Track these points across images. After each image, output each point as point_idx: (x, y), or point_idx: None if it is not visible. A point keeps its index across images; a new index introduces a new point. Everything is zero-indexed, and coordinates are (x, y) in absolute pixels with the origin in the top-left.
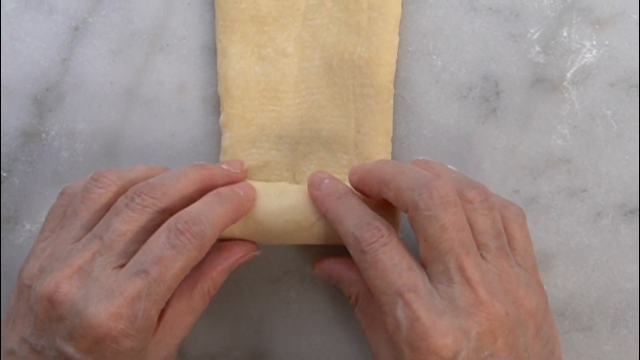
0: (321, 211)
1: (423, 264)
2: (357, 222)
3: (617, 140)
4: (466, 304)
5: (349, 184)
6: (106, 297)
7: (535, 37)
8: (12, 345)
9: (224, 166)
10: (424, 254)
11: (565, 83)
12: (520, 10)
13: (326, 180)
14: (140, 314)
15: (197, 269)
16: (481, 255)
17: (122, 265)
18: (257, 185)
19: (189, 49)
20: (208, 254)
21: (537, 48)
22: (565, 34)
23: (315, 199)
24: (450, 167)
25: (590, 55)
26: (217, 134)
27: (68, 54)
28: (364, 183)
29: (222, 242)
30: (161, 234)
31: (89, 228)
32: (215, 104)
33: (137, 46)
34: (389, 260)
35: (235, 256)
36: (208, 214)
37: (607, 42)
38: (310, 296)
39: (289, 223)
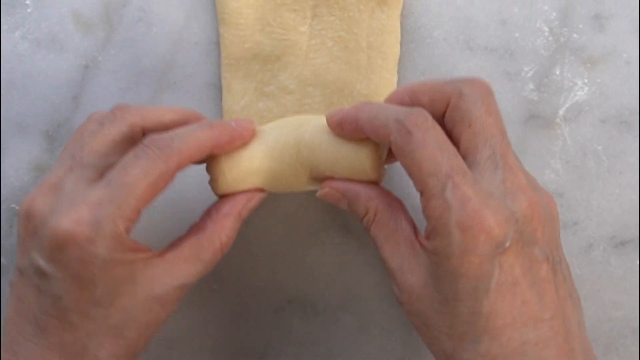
0: (350, 124)
1: (463, 156)
2: (398, 110)
3: (608, 175)
4: (511, 188)
5: None
6: (70, 205)
7: (529, 75)
8: (11, 276)
9: (232, 123)
10: (466, 143)
11: (557, 119)
12: (514, 49)
13: (344, 108)
14: (104, 220)
15: (206, 216)
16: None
17: (95, 180)
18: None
19: (195, 86)
20: (216, 204)
21: (531, 86)
22: (558, 72)
23: (341, 119)
24: None
25: (582, 92)
26: None
27: (79, 91)
28: (391, 101)
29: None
30: (130, 151)
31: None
32: None
33: (145, 84)
34: (436, 143)
35: (242, 200)
36: (182, 133)
37: (598, 80)
38: (312, 325)
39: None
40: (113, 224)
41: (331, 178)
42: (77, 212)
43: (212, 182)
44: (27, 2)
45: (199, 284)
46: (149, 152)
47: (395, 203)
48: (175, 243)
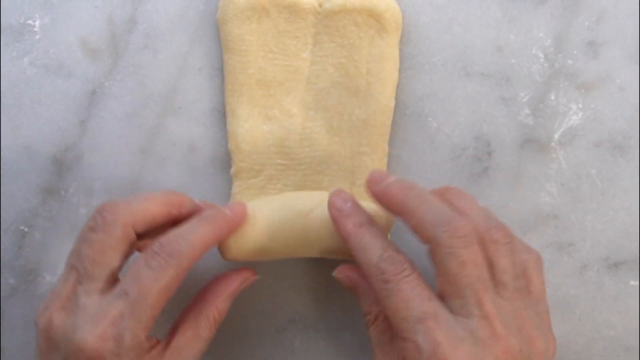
0: (342, 233)
1: (441, 298)
2: (381, 253)
3: (602, 198)
4: (484, 336)
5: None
6: (91, 321)
7: (525, 100)
8: None
9: (226, 211)
10: (443, 288)
11: (552, 143)
12: (510, 75)
13: (349, 204)
14: (126, 334)
15: (200, 299)
16: (499, 292)
17: (105, 290)
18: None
19: (200, 111)
20: (210, 284)
21: (527, 111)
22: (553, 97)
23: (338, 220)
24: (479, 204)
25: (577, 117)
26: (226, 190)
27: (86, 116)
28: (383, 199)
29: (223, 273)
30: (140, 257)
31: None
32: (223, 163)
33: (150, 109)
34: (411, 290)
35: (235, 283)
36: (185, 234)
37: (592, 106)
38: (314, 345)
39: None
40: (135, 336)
41: (346, 262)
42: (100, 328)
43: (221, 252)
44: (36, 29)
45: None
46: (160, 261)
47: None
48: (176, 328)
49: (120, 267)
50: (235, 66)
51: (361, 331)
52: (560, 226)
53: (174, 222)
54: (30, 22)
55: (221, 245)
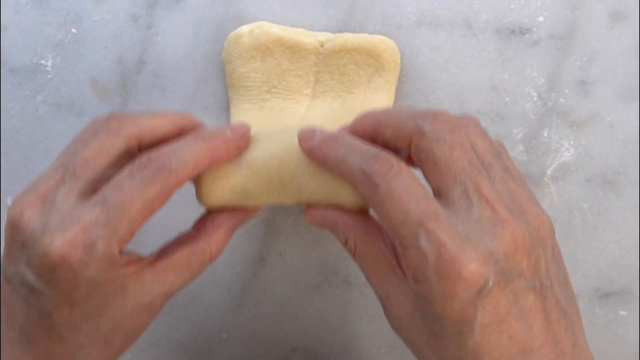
0: (319, 161)
1: (437, 194)
2: (363, 156)
3: (593, 231)
4: (489, 224)
5: None
6: (62, 225)
7: (518, 137)
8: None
9: (227, 133)
10: (436, 182)
11: (545, 179)
12: (505, 113)
13: (317, 132)
14: (98, 242)
15: (197, 228)
16: (489, 175)
17: (86, 194)
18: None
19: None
20: (208, 215)
21: (521, 147)
22: (545, 134)
23: (310, 150)
24: None
25: (569, 153)
26: None
27: None
28: (358, 130)
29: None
30: (124, 168)
31: None
32: None
33: None
34: (404, 189)
35: (236, 215)
36: (177, 150)
37: (583, 142)
38: None
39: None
40: (107, 247)
41: (315, 206)
42: (70, 233)
43: (199, 195)
44: (48, 68)
45: (208, 333)
46: (146, 173)
47: (373, 230)
48: (165, 250)
49: (108, 177)
50: (239, 99)
51: (361, 359)
52: None
53: None
54: (42, 62)
55: (198, 189)
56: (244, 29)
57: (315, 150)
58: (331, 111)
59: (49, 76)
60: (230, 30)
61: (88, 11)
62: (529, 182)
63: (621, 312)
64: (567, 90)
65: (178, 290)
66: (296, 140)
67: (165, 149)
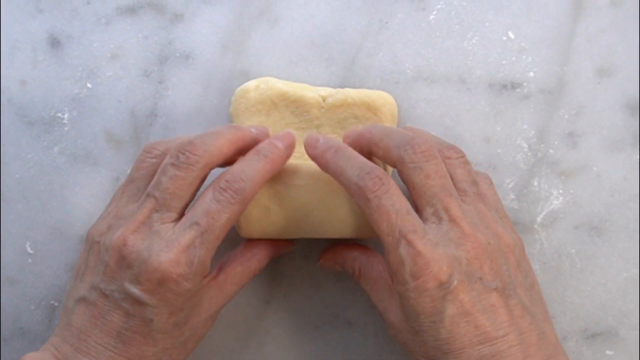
0: (322, 166)
1: (416, 210)
2: (358, 172)
3: (580, 275)
4: (454, 237)
5: None
6: (166, 247)
7: (510, 186)
8: (83, 293)
9: (252, 130)
10: (415, 201)
11: (535, 225)
12: (497, 163)
13: (321, 140)
14: (196, 260)
15: (248, 248)
16: (462, 199)
17: (177, 220)
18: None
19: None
20: (251, 242)
21: (512, 196)
22: (535, 183)
23: (315, 157)
24: (432, 134)
25: (557, 202)
26: None
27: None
28: (356, 144)
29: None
30: (208, 192)
31: (144, 189)
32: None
33: None
34: (391, 205)
35: (275, 244)
36: (247, 171)
37: (571, 191)
38: None
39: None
40: (203, 263)
41: (327, 249)
42: (174, 254)
43: (240, 228)
44: (65, 121)
45: None
46: (227, 197)
47: (373, 257)
48: (222, 267)
49: (191, 202)
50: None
51: None
52: None
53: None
54: (59, 115)
55: (238, 223)
56: (251, 84)
57: (318, 157)
58: None
59: (66, 128)
60: (237, 85)
61: (103, 67)
62: (520, 229)
63: (608, 352)
64: (556, 142)
65: (229, 301)
66: (314, 183)
67: (236, 171)
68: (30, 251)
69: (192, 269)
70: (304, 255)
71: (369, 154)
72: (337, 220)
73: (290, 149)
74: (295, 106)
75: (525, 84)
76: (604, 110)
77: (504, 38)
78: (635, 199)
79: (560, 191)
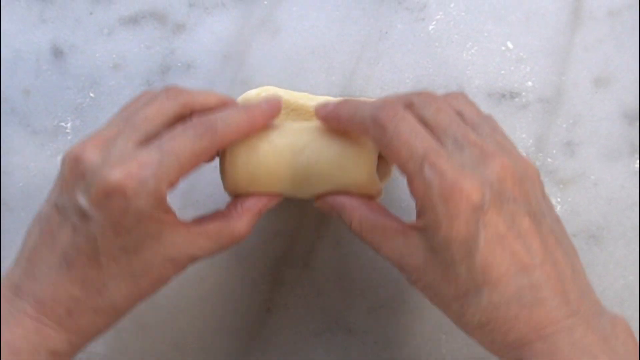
0: (334, 121)
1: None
2: (372, 107)
3: None
4: (479, 159)
5: None
6: (121, 159)
7: None
8: (41, 209)
9: (263, 105)
10: (434, 135)
11: None
12: None
13: (329, 105)
14: (150, 178)
15: (230, 209)
16: (476, 131)
17: (143, 143)
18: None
19: (215, 202)
20: (237, 200)
21: None
22: None
23: (326, 116)
24: None
25: (556, 210)
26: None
27: None
28: (342, 112)
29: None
30: (176, 125)
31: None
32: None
33: (172, 202)
34: (409, 130)
35: (263, 200)
36: (222, 116)
37: (569, 199)
38: None
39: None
40: (157, 184)
41: (327, 194)
42: (128, 167)
43: (224, 185)
44: (68, 130)
45: None
46: (197, 129)
47: (376, 207)
48: (200, 220)
49: (159, 134)
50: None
51: None
52: None
53: None
54: (62, 124)
55: (223, 179)
56: (252, 93)
57: (330, 113)
58: None
59: (69, 137)
60: (238, 94)
61: (105, 77)
62: None
63: None
64: (554, 151)
65: (201, 258)
66: (306, 128)
67: (213, 115)
68: None
69: (144, 188)
70: (305, 263)
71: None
72: (328, 165)
73: (276, 110)
74: (296, 114)
75: (523, 93)
76: (602, 120)
77: (503, 48)
78: (632, 207)
79: (559, 199)
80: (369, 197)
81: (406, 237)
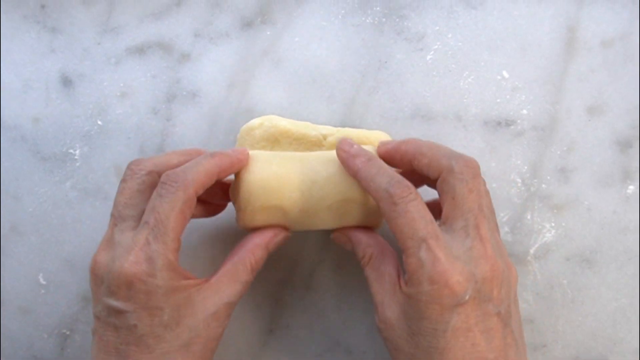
0: (351, 170)
1: (443, 221)
2: (389, 179)
3: (572, 305)
4: (476, 255)
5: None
6: (126, 251)
7: (504, 219)
8: (92, 326)
9: (229, 151)
10: (447, 212)
11: (529, 257)
12: (492, 197)
13: (355, 146)
14: (155, 255)
15: (238, 249)
16: (488, 223)
17: (135, 227)
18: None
19: (219, 224)
20: (246, 237)
21: (506, 229)
22: (529, 217)
23: (347, 160)
24: None
25: (550, 234)
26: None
27: None
28: (397, 152)
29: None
30: (154, 192)
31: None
32: None
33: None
34: (416, 212)
35: (268, 234)
36: (190, 166)
37: (563, 224)
38: None
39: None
40: (164, 257)
41: (344, 227)
42: (133, 256)
43: (237, 220)
44: (76, 157)
45: None
46: (169, 188)
47: (388, 252)
48: (216, 271)
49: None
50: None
51: None
52: (536, 329)
53: None
54: (71, 151)
55: (236, 215)
56: (255, 122)
57: (350, 160)
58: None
59: (77, 164)
60: (242, 122)
61: (113, 105)
62: (514, 260)
63: None
64: (548, 177)
65: (236, 301)
66: (314, 161)
67: (179, 168)
68: (43, 282)
69: (155, 266)
70: (306, 286)
71: (408, 164)
72: (335, 192)
73: (241, 154)
74: (297, 144)
75: (519, 121)
76: (595, 147)
77: (499, 77)
78: (624, 231)
79: (553, 224)
80: (370, 227)
81: (394, 291)
